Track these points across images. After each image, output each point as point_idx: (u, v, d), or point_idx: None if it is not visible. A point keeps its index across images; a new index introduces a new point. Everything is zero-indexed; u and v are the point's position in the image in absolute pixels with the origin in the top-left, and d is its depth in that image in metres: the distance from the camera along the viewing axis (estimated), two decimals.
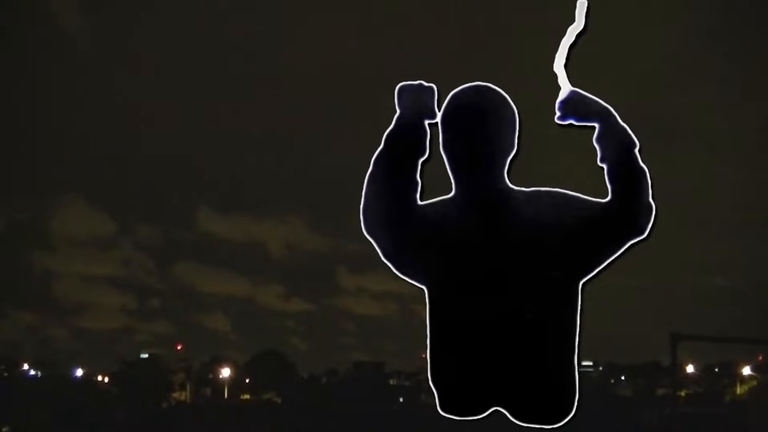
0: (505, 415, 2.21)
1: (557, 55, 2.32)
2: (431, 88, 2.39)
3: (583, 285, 2.22)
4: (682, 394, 37.99)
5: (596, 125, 2.25)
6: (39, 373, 41.16)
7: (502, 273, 2.20)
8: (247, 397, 43.63)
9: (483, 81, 2.30)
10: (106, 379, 40.68)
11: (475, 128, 2.24)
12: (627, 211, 2.19)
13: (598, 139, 2.24)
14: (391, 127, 2.37)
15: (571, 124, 2.29)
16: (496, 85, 2.29)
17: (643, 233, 2.20)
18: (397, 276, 2.33)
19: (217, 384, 43.73)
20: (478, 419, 2.23)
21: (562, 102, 2.28)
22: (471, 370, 2.22)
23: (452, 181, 2.29)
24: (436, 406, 2.28)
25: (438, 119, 2.33)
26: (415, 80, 2.41)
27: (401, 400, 37.04)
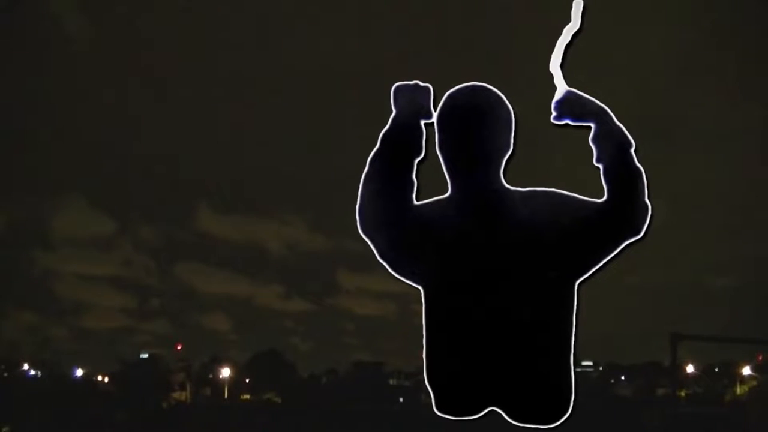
0: (501, 415, 2.21)
1: (553, 55, 2.32)
2: (427, 88, 2.39)
3: (578, 285, 2.22)
4: (682, 394, 37.96)
5: (592, 125, 2.25)
6: (39, 373, 41.14)
7: (498, 273, 2.20)
8: (247, 397, 43.58)
9: (479, 81, 2.30)
10: (106, 379, 40.64)
11: (471, 128, 2.24)
12: (623, 211, 2.19)
13: (594, 139, 2.24)
14: (387, 127, 2.37)
15: (566, 124, 2.29)
16: (492, 85, 2.29)
17: (639, 233, 2.20)
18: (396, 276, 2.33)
19: (217, 384, 43.67)
20: (474, 419, 2.23)
21: (558, 102, 2.28)
22: (467, 370, 2.22)
23: (448, 181, 2.29)
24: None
25: (434, 119, 2.33)
26: (414, 81, 2.41)
27: (401, 400, 36.97)
